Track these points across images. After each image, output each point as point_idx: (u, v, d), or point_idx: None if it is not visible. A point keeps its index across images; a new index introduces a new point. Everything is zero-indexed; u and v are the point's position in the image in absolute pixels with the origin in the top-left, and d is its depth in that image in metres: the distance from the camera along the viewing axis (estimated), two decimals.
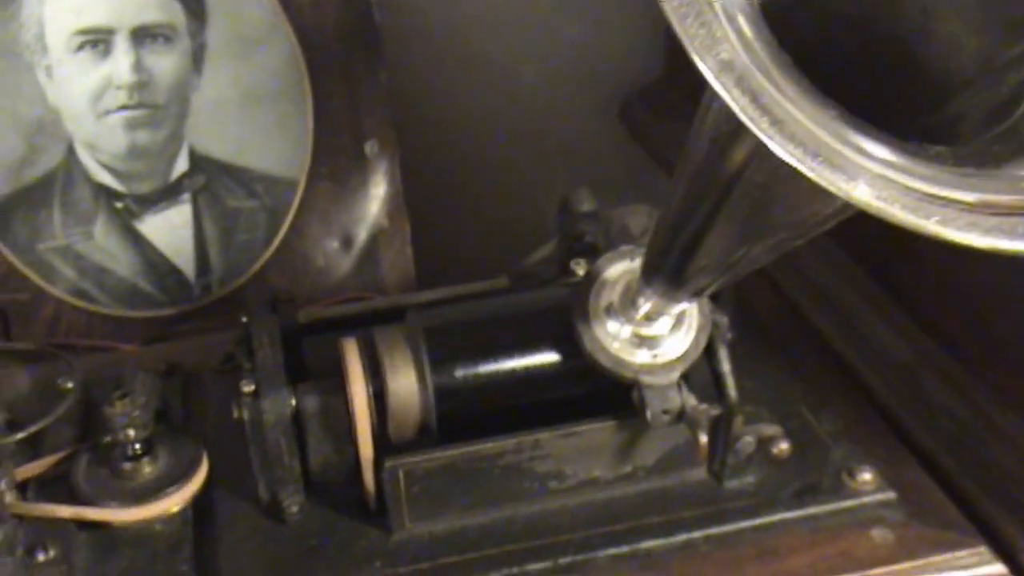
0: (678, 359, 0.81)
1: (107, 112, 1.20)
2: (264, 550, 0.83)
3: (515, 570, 0.81)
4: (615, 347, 0.80)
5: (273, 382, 0.82)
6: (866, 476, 0.84)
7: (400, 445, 0.85)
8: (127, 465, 0.85)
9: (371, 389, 0.83)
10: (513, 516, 0.84)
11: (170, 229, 1.24)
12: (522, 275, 0.93)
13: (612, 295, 0.81)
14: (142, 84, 1.20)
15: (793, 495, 0.84)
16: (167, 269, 1.22)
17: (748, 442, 0.82)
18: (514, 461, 0.83)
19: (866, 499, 0.83)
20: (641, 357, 0.80)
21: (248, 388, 0.83)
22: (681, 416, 0.80)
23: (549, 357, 0.84)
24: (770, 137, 0.44)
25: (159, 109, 1.21)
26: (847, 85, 0.53)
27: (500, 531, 0.84)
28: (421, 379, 0.82)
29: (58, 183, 1.20)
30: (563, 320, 0.84)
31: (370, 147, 1.24)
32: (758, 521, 0.83)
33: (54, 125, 1.19)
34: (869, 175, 0.45)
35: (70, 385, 0.91)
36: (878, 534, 0.81)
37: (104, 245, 1.21)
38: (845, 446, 0.87)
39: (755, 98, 0.45)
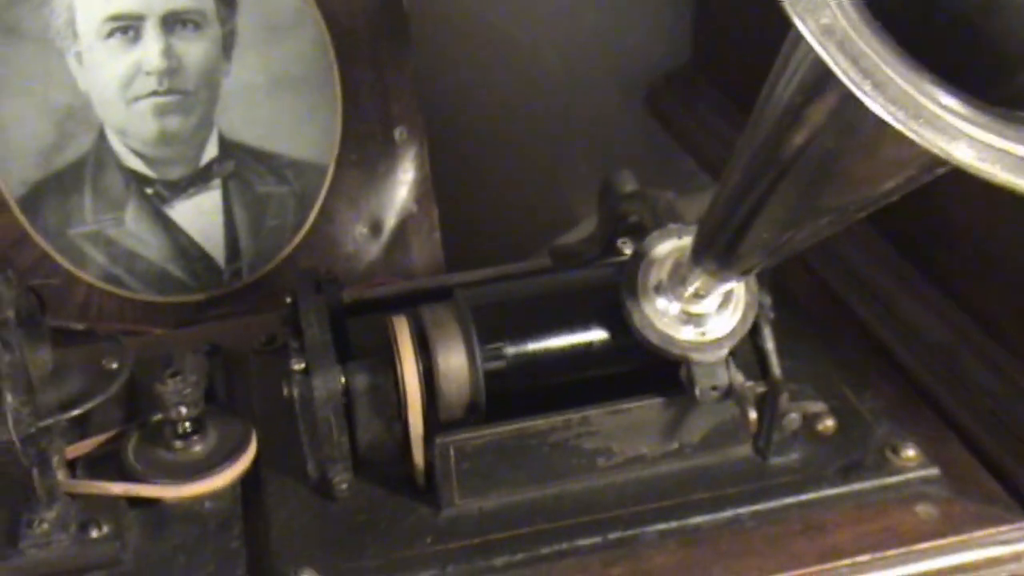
0: (726, 336, 0.82)
1: (137, 98, 1.20)
2: (314, 526, 0.84)
3: (565, 545, 0.82)
4: (664, 324, 0.81)
5: (323, 360, 0.83)
6: (909, 453, 0.85)
7: (448, 423, 0.85)
8: (177, 443, 0.86)
9: (422, 367, 0.83)
10: (561, 493, 0.85)
11: (200, 215, 1.24)
12: (563, 255, 0.94)
13: (661, 273, 0.81)
14: (172, 70, 1.21)
15: (837, 472, 0.85)
16: (197, 254, 1.23)
17: (794, 419, 0.83)
18: (562, 438, 0.83)
19: (910, 475, 0.84)
20: (689, 334, 0.81)
21: (298, 366, 0.83)
22: (729, 393, 0.81)
23: (596, 335, 0.85)
24: (873, 99, 0.45)
25: (189, 95, 1.21)
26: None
27: (548, 507, 0.84)
28: (471, 357, 0.83)
29: (89, 169, 1.20)
30: (610, 298, 0.84)
31: (399, 133, 1.25)
32: (803, 497, 0.84)
33: (84, 111, 1.19)
34: (968, 137, 0.46)
35: (115, 365, 0.91)
36: (922, 510, 0.82)
37: (135, 231, 1.21)
38: (887, 424, 0.88)
39: (856, 62, 0.46)
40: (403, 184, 1.27)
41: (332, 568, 0.81)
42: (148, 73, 1.21)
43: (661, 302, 0.81)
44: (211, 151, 1.23)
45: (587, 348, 0.85)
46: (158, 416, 0.86)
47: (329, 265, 1.26)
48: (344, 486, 0.85)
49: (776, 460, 0.86)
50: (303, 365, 0.83)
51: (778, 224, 0.69)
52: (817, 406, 0.84)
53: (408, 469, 0.87)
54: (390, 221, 1.27)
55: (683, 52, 1.34)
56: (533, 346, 0.84)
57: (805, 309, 1.00)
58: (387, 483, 0.87)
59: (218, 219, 1.24)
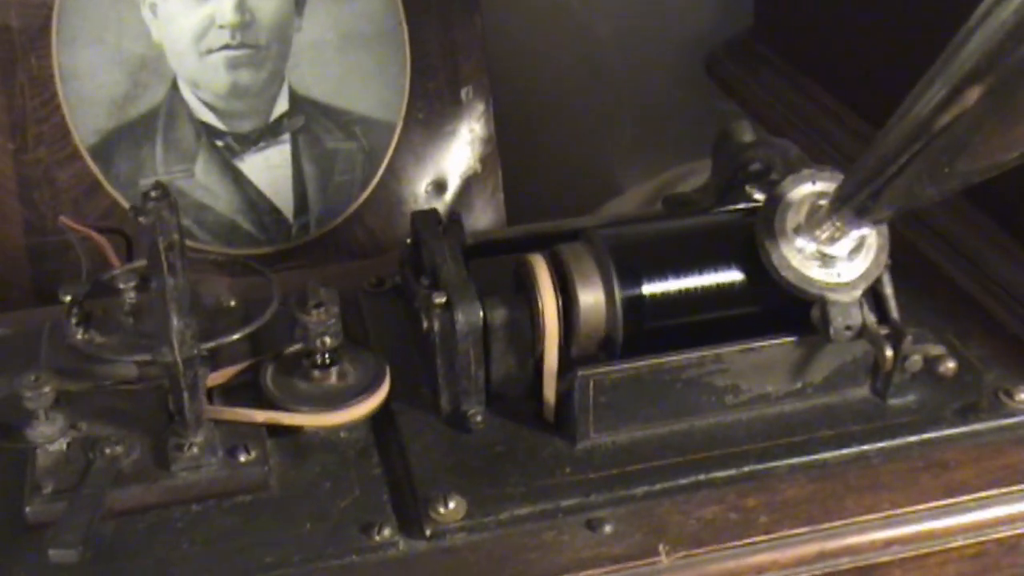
0: (859, 278, 0.85)
1: (210, 51, 1.21)
2: (451, 457, 0.86)
3: (701, 477, 0.84)
4: (801, 265, 0.84)
5: (464, 294, 0.85)
6: (1022, 396, 0.88)
7: (579, 359, 0.87)
8: (316, 373, 0.88)
9: (560, 303, 0.85)
10: (690, 429, 0.88)
11: (269, 168, 1.25)
12: (677, 203, 0.97)
13: (798, 216, 0.85)
14: (245, 24, 1.22)
15: (955, 413, 0.89)
16: (266, 208, 1.24)
17: (916, 360, 0.87)
18: (695, 375, 0.86)
19: None
20: (825, 275, 0.84)
21: (439, 300, 0.85)
22: (861, 332, 0.84)
23: (728, 275, 0.88)
24: None
25: (261, 49, 1.23)
26: None
27: (678, 443, 0.87)
28: (609, 294, 0.86)
29: (161, 120, 1.22)
30: (740, 240, 0.88)
31: (465, 93, 1.27)
32: (925, 436, 0.87)
33: (157, 62, 1.20)
34: None
35: (232, 303, 0.92)
36: None
37: (205, 183, 1.23)
38: (996, 369, 0.92)
39: None
40: (468, 143, 1.29)
41: (477, 495, 0.83)
42: (221, 26, 1.23)
43: (799, 243, 0.84)
44: (281, 106, 1.25)
45: (719, 288, 0.87)
46: (297, 346, 0.88)
47: (394, 221, 1.27)
48: (479, 418, 0.87)
49: (894, 401, 0.89)
50: (444, 299, 0.85)
51: (919, 184, 0.73)
52: (938, 349, 0.88)
53: (536, 405, 0.88)
54: (454, 180, 1.29)
55: (741, 20, 1.37)
56: (668, 284, 0.87)
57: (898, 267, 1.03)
58: (517, 417, 0.89)
59: (287, 173, 1.26)
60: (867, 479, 0.86)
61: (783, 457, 0.86)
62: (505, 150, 1.30)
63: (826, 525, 0.83)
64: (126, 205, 1.22)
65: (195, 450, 0.83)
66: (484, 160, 1.29)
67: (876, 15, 1.15)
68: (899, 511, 0.84)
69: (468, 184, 1.29)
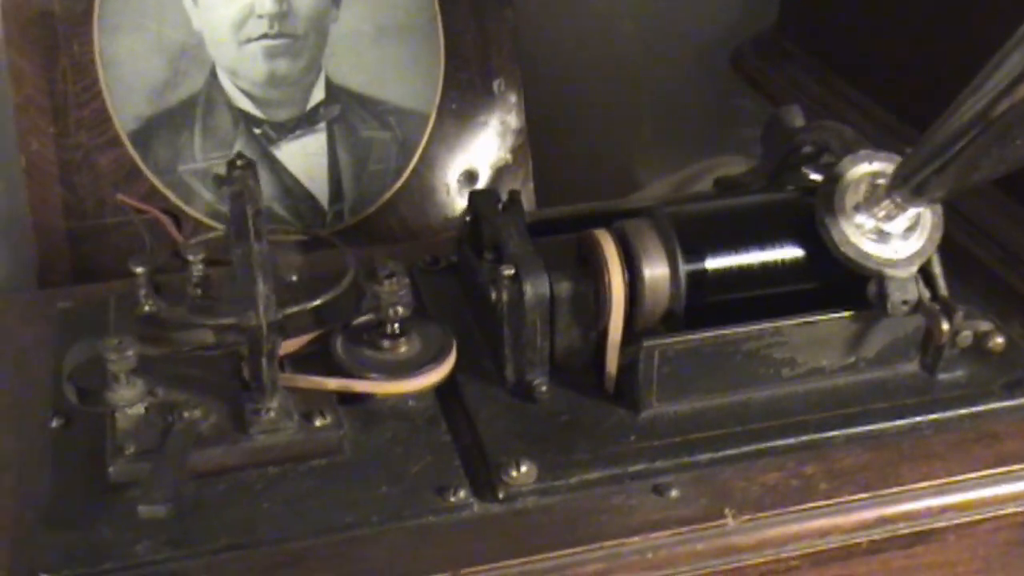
0: (915, 254, 0.88)
1: (249, 40, 1.24)
2: (518, 425, 0.89)
3: (761, 445, 0.88)
4: (860, 242, 0.87)
5: (532, 266, 0.88)
6: None
7: (641, 332, 0.90)
8: (385, 343, 0.90)
9: (626, 276, 0.88)
10: (748, 400, 0.91)
11: (305, 156, 1.28)
12: (729, 185, 1.00)
13: (857, 195, 0.88)
14: (283, 14, 1.24)
15: (1003, 387, 0.92)
16: (302, 195, 1.26)
17: (966, 335, 0.90)
18: (755, 347, 0.89)
19: None
20: (883, 251, 0.88)
21: (508, 272, 0.88)
22: (917, 307, 0.87)
23: (786, 251, 0.91)
24: None
25: (298, 39, 1.25)
26: None
27: (737, 413, 0.90)
28: (673, 268, 0.89)
29: (199, 107, 1.24)
30: (797, 217, 0.91)
31: (497, 84, 1.30)
32: (975, 409, 0.91)
33: (197, 50, 1.22)
34: None
35: (294, 277, 0.95)
36: None
37: None
38: None
39: None
40: (500, 134, 1.32)
41: (546, 460, 0.85)
42: (260, 16, 1.25)
43: (858, 220, 0.88)
44: (318, 95, 1.27)
45: (776, 264, 0.90)
46: (366, 317, 0.90)
47: (426, 210, 1.30)
48: (544, 388, 0.90)
49: (943, 376, 0.93)
50: (513, 271, 0.88)
51: (979, 169, 0.77)
52: (986, 325, 0.91)
53: (596, 376, 0.91)
54: (486, 170, 1.31)
55: (761, 19, 1.40)
56: (729, 260, 0.90)
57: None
58: (578, 388, 0.92)
59: (323, 161, 1.28)
60: (920, 449, 0.88)
61: (839, 427, 0.89)
62: (535, 142, 1.32)
63: (884, 491, 0.86)
64: (164, 191, 1.23)
65: (272, 414, 0.85)
66: (515, 151, 1.32)
67: (902, 9, 1.19)
68: (953, 479, 0.86)
69: (499, 174, 1.32)
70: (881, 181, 0.87)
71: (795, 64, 1.32)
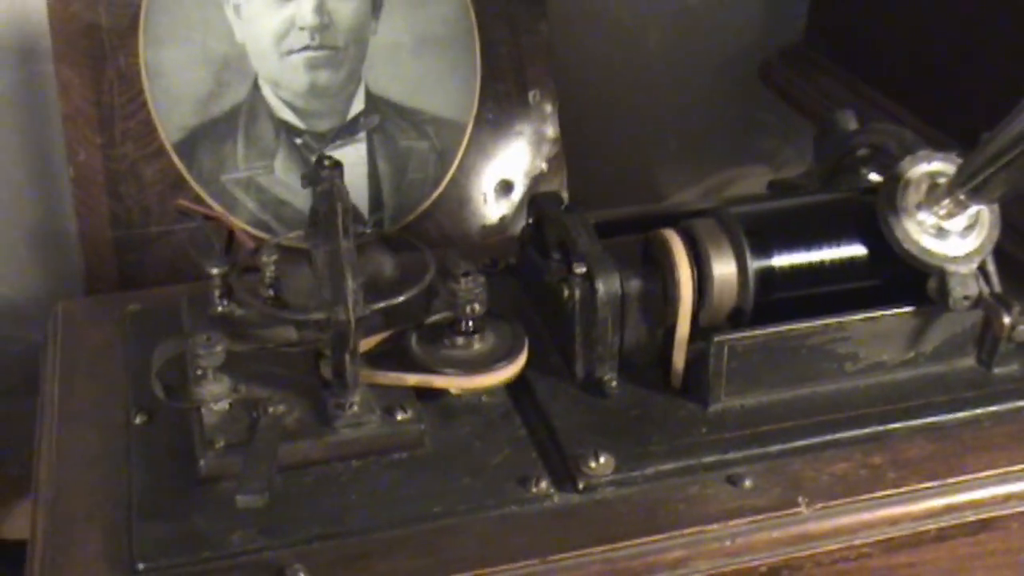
0: (975, 251, 0.91)
1: (290, 52, 1.26)
2: (591, 418, 0.91)
3: (828, 437, 0.90)
4: (922, 239, 0.90)
5: (604, 264, 0.91)
6: None
7: (706, 330, 0.93)
8: (460, 339, 0.92)
9: (694, 274, 0.91)
10: (812, 394, 0.93)
11: (346, 166, 1.29)
12: (782, 188, 1.03)
13: (919, 193, 0.91)
14: (324, 26, 1.27)
15: None
16: None
17: (1022, 330, 0.93)
18: (819, 342, 0.92)
19: None
20: (944, 248, 0.90)
21: (580, 270, 0.90)
22: (978, 302, 0.90)
23: (848, 248, 0.94)
24: None
25: (339, 51, 1.27)
26: None
27: (803, 407, 0.93)
28: (742, 266, 0.91)
29: (242, 117, 1.26)
30: (857, 216, 0.94)
31: (533, 96, 1.33)
32: None
33: (240, 61, 1.24)
34: None
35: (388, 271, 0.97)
36: None
37: (284, 179, 1.27)
38: None
39: None
40: (535, 145, 1.34)
41: (622, 452, 0.88)
42: (301, 28, 1.27)
43: (920, 217, 0.90)
44: (358, 105, 1.29)
45: (839, 262, 0.93)
46: (439, 315, 0.92)
47: (464, 219, 1.32)
48: (614, 384, 0.92)
49: (999, 370, 0.96)
50: (584, 269, 0.90)
51: None
52: None
53: (662, 372, 0.94)
54: (521, 179, 1.34)
55: (788, 30, 1.43)
56: (795, 257, 0.92)
57: None
58: (646, 384, 0.95)
59: (363, 170, 1.30)
60: (981, 440, 0.92)
61: (902, 420, 0.92)
62: (568, 152, 1.35)
63: (950, 480, 0.88)
64: (209, 200, 1.24)
65: (355, 408, 0.87)
66: (550, 160, 1.34)
67: (931, 18, 1.22)
68: (1015, 468, 0.89)
69: (535, 183, 1.34)
70: (942, 180, 0.90)
71: (825, 75, 1.35)
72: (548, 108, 1.34)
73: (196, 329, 0.91)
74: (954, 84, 1.19)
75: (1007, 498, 0.88)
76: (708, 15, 1.47)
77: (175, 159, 1.23)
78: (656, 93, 1.48)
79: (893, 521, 0.86)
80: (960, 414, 0.92)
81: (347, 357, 0.85)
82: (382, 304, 0.86)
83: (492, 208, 1.33)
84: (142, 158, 1.22)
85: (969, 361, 0.95)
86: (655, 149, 1.51)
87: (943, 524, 0.88)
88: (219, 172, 1.25)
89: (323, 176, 0.84)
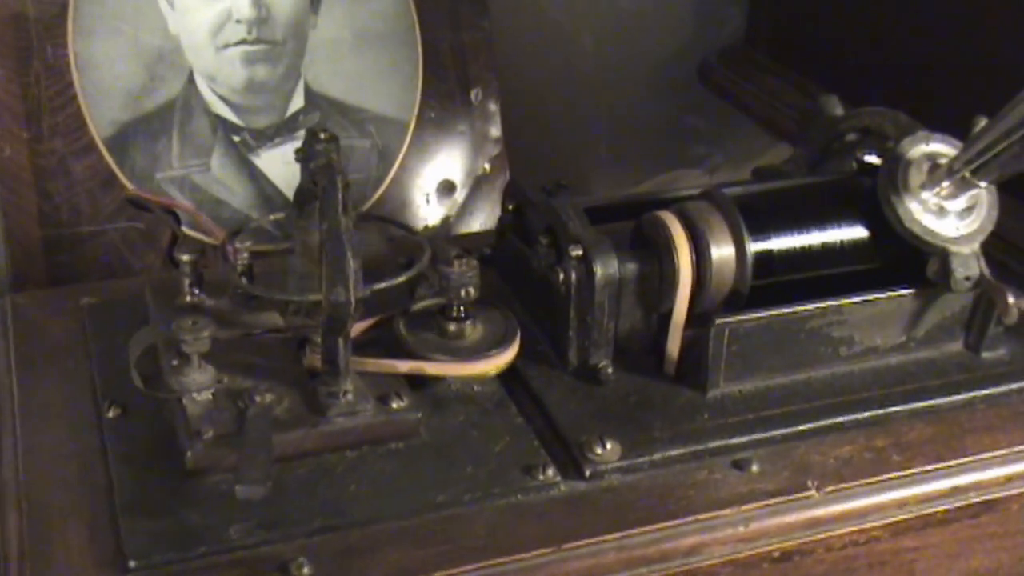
0: (977, 231, 0.90)
1: (226, 45, 1.22)
2: (589, 406, 0.88)
3: (828, 421, 0.89)
4: (923, 219, 0.89)
5: (602, 246, 0.88)
6: None
7: (701, 314, 0.90)
8: (451, 326, 0.89)
9: (693, 257, 0.88)
10: (809, 379, 0.92)
11: (285, 164, 1.26)
12: (767, 175, 1.01)
13: (920, 174, 0.90)
14: (261, 20, 1.23)
15: None
16: (281, 203, 1.24)
17: (1013, 313, 0.92)
18: (817, 326, 0.90)
19: None
20: (945, 229, 0.89)
21: (576, 252, 0.88)
22: (978, 283, 0.89)
23: (845, 230, 0.92)
24: None
25: (277, 45, 1.23)
26: None
27: (801, 391, 0.91)
28: (740, 249, 0.89)
29: (177, 113, 1.21)
30: (852, 198, 0.93)
31: (475, 94, 1.30)
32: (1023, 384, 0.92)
33: (174, 55, 1.20)
34: None
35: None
36: None
37: (220, 177, 1.22)
38: None
39: None
40: (477, 144, 1.31)
41: (626, 439, 0.85)
42: (238, 21, 1.23)
43: (923, 197, 0.89)
44: (297, 102, 1.25)
45: (835, 244, 0.92)
46: (428, 302, 0.89)
47: (405, 219, 1.28)
48: (609, 370, 0.89)
49: (987, 355, 0.95)
50: (581, 252, 0.87)
51: None
52: None
53: (656, 359, 0.91)
54: (464, 180, 1.31)
55: (727, 30, 1.43)
56: (793, 240, 0.91)
57: None
58: (640, 370, 0.92)
59: None
60: (979, 422, 0.91)
61: (900, 403, 0.91)
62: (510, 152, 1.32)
63: (953, 462, 0.87)
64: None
65: (349, 397, 0.83)
66: (493, 161, 1.31)
67: (875, 15, 1.22)
68: (1016, 449, 0.88)
69: (477, 184, 1.31)
70: (942, 161, 0.88)
71: (769, 75, 1.34)
72: (491, 107, 1.31)
73: (158, 320, 0.86)
74: (901, 80, 1.19)
75: (1009, 479, 0.87)
76: (640, 17, 1.45)
77: (106, 155, 1.18)
78: (589, 96, 1.46)
79: (901, 503, 0.85)
80: (955, 397, 0.92)
81: (340, 343, 0.80)
82: (383, 284, 0.81)
83: (434, 209, 1.30)
84: (71, 154, 1.17)
85: (957, 346, 0.95)
86: (589, 151, 1.49)
87: (948, 506, 0.86)
88: (153, 169, 1.20)
89: (318, 150, 0.78)
